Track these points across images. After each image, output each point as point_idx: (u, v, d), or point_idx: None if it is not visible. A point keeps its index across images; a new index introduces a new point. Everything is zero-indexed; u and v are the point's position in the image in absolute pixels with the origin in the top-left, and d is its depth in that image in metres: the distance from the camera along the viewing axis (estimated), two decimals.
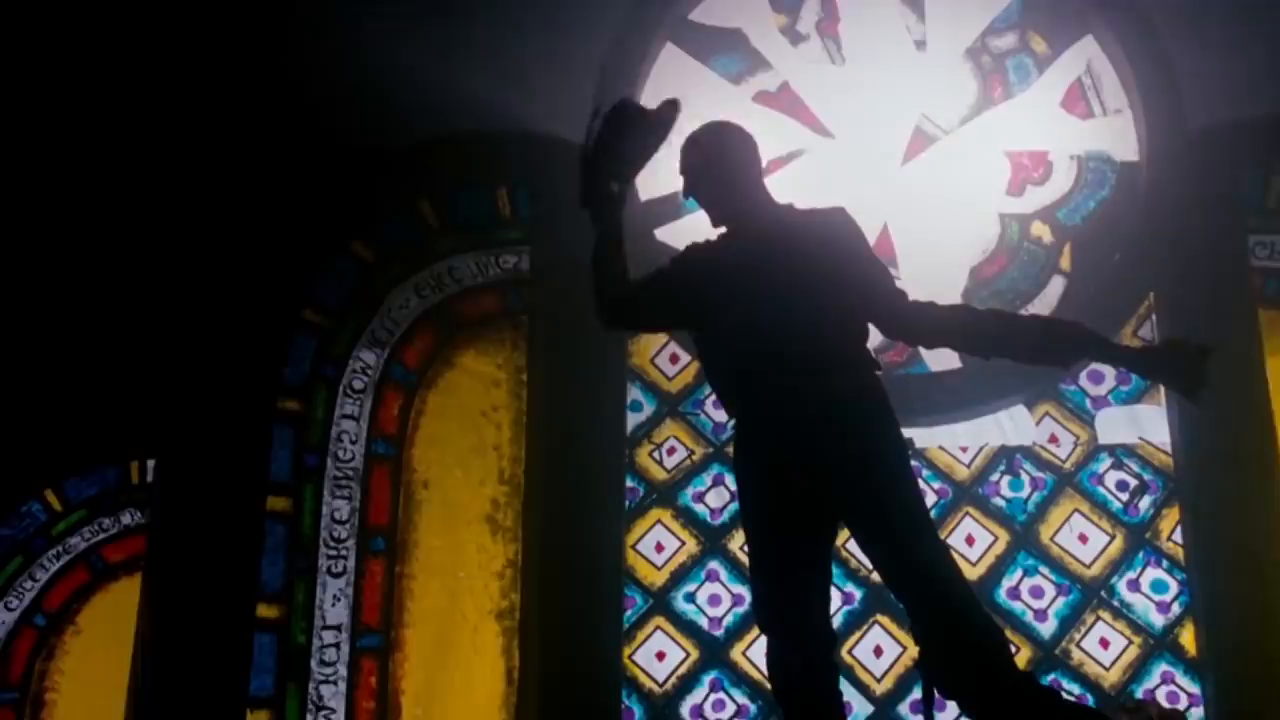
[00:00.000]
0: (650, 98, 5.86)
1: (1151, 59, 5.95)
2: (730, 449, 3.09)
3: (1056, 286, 5.82)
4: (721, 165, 3.14)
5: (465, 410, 5.73)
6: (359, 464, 5.60)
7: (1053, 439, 5.58)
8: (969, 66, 6.18)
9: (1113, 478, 5.53)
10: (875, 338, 3.20)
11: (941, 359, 5.68)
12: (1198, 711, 5.20)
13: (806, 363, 2.92)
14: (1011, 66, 6.17)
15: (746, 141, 3.21)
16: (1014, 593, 5.39)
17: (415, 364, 5.82)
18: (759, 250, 3.01)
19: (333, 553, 5.48)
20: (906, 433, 3.07)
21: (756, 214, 3.10)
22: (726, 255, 3.07)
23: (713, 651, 5.38)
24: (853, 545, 3.06)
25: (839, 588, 5.12)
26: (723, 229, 3.19)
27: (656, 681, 5.35)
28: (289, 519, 5.50)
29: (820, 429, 2.89)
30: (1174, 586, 5.35)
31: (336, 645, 5.40)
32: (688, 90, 5.89)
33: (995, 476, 5.54)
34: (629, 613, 5.40)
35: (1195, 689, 5.24)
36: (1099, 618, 5.34)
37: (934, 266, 5.68)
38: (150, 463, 5.61)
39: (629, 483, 5.54)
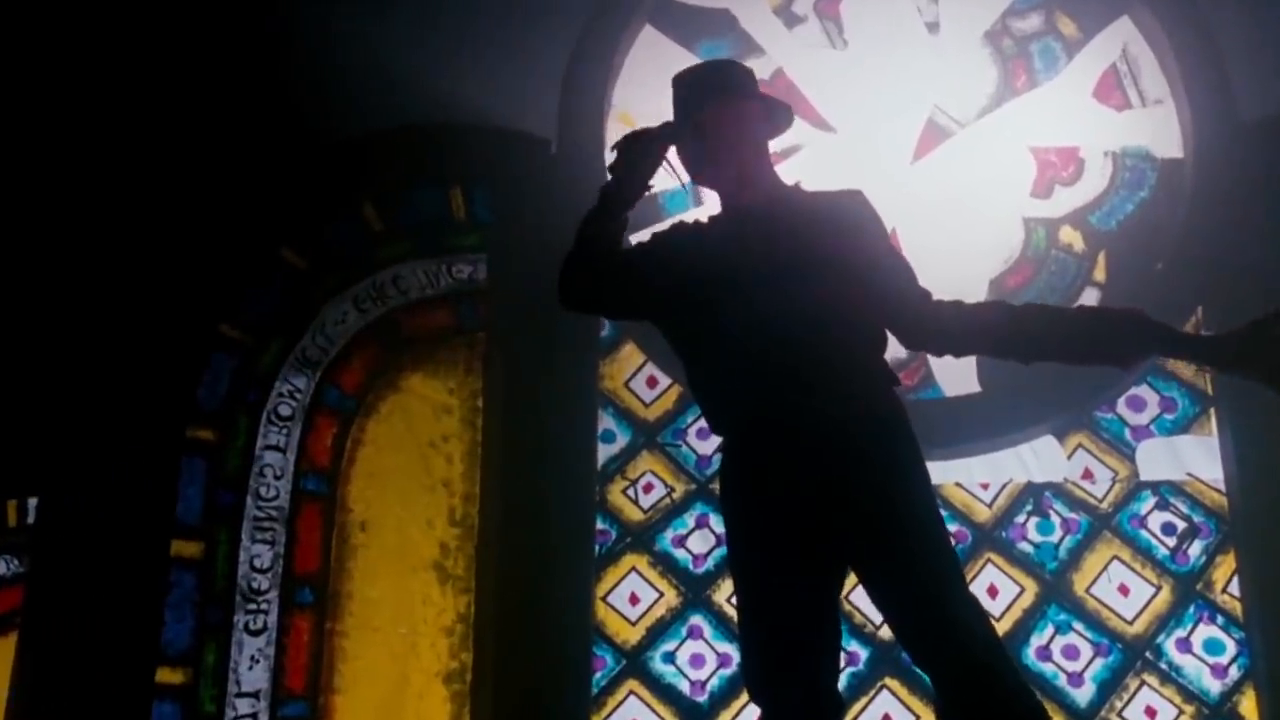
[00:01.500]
0: (626, 86, 5.96)
1: (1197, 42, 5.76)
2: (716, 485, 2.86)
3: (1089, 301, 5.57)
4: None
5: (411, 441, 5.56)
6: (284, 502, 5.38)
7: (1087, 474, 5.35)
8: (988, 51, 6.02)
9: (1157, 520, 5.27)
10: (892, 350, 2.89)
11: (958, 382, 5.47)
12: None
13: (814, 371, 2.68)
14: (1037, 51, 6.00)
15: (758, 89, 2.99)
16: (1044, 653, 5.13)
17: (353, 387, 5.62)
18: (760, 230, 2.78)
19: (251, 606, 5.23)
20: None
21: (759, 185, 2.86)
22: (719, 235, 2.84)
23: None
24: (855, 595, 2.89)
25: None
26: (696, 219, 2.96)
27: None
28: (199, 567, 5.24)
29: (829, 454, 2.65)
30: (1231, 647, 5.08)
31: (254, 715, 5.13)
32: (669, 78, 5.78)
33: (1021, 518, 5.31)
34: (599, 675, 5.20)
35: None
36: (1144, 683, 5.06)
37: (948, 277, 4.99)
38: (31, 501, 5.39)
39: (600, 525, 5.36)
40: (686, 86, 2.91)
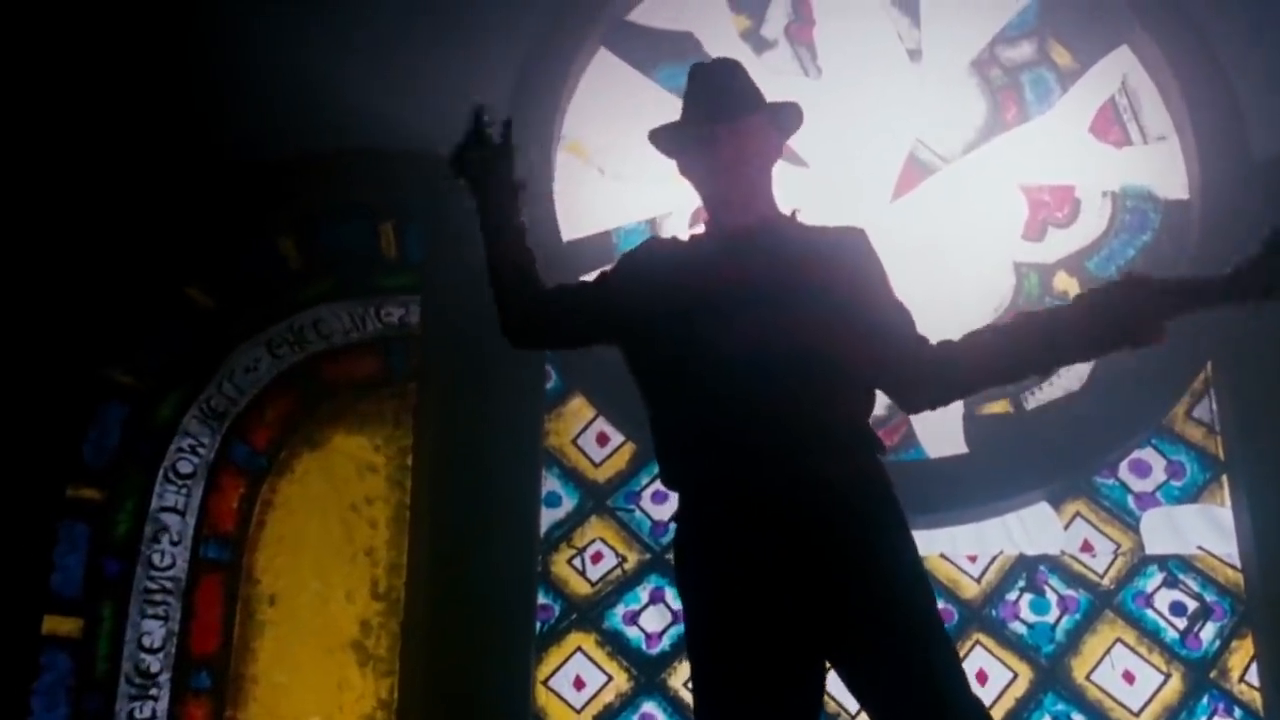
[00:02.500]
0: (577, 113, 5.83)
1: (1204, 73, 5.65)
2: (673, 555, 2.70)
3: None
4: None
5: (330, 503, 5.38)
6: (180, 572, 5.16)
7: (1086, 547, 5.18)
8: (975, 81, 5.91)
9: (1165, 598, 5.09)
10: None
11: (943, 442, 5.33)
12: None
13: (798, 416, 2.53)
14: (1028, 82, 5.90)
15: None
16: None
17: (264, 443, 5.44)
18: (750, 253, 2.68)
19: (137, 692, 5.01)
20: None
21: (754, 207, 2.78)
22: (703, 252, 2.74)
23: None
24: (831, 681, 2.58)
25: None
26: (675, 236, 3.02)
27: None
28: (76, 647, 5.00)
29: (811, 520, 2.47)
30: None
31: None
32: (624, 105, 5.83)
33: (1013, 595, 5.15)
34: None
35: None
36: None
37: (931, 328, 5.10)
38: None
39: (541, 599, 5.20)
40: (706, 84, 2.83)
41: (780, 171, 5.70)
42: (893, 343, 2.64)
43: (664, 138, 2.83)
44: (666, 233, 5.37)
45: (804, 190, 5.56)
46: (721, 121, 2.72)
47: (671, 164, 2.85)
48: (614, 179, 5.65)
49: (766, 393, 2.52)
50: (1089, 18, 5.89)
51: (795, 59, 5.92)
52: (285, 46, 5.37)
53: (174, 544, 5.15)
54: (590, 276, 2.89)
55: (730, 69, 2.85)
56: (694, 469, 2.61)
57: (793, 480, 2.48)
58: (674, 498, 2.67)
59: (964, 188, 5.74)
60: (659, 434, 2.69)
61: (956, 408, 5.24)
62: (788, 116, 2.83)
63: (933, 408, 2.70)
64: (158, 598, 5.08)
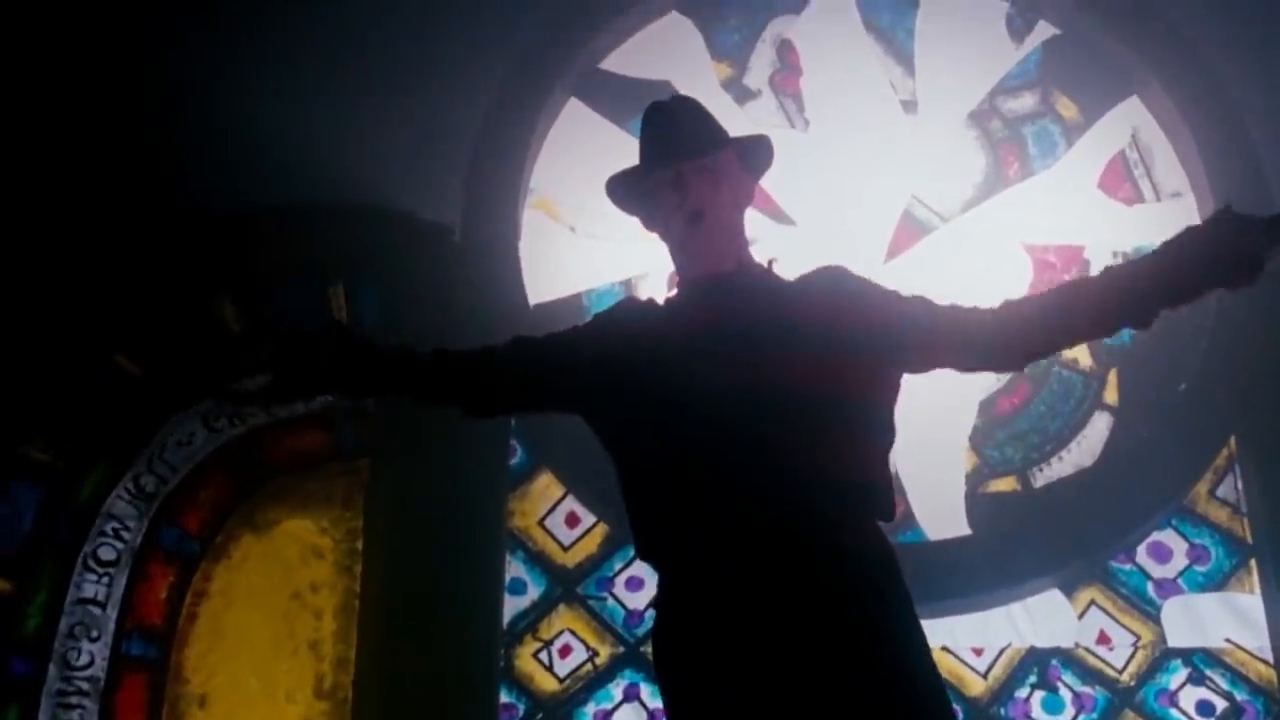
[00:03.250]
0: (546, 167, 5.77)
1: (1220, 125, 5.61)
2: (650, 647, 2.59)
3: (1100, 427, 5.40)
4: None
5: (270, 592, 5.19)
6: (100, 671, 4.86)
7: (1103, 639, 5.06)
8: (974, 135, 5.85)
9: (1191, 696, 4.96)
10: None
11: (943, 522, 5.24)
12: None
13: (796, 478, 2.40)
14: (1031, 135, 5.83)
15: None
16: None
17: (198, 526, 5.19)
18: (731, 295, 2.61)
19: None
20: None
21: (730, 251, 2.69)
22: (679, 303, 2.68)
23: None
24: None
25: None
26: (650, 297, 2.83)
27: None
28: None
29: (814, 604, 2.33)
30: None
31: None
32: (597, 159, 5.82)
33: (1023, 692, 5.01)
34: None
35: None
36: None
37: (928, 400, 5.11)
38: None
39: (505, 697, 5.04)
40: (669, 123, 2.75)
41: (766, 230, 5.99)
42: (922, 322, 2.56)
43: (622, 187, 2.76)
44: (643, 294, 5.23)
45: (792, 250, 5.51)
46: (687, 159, 2.64)
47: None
48: (586, 237, 5.56)
49: (759, 445, 2.40)
50: (1095, 67, 5.86)
51: (781, 110, 5.88)
52: (234, 92, 5.24)
53: (93, 640, 4.86)
54: (567, 330, 2.80)
55: (691, 105, 2.78)
56: (677, 541, 2.48)
57: (796, 551, 2.34)
58: (651, 584, 2.70)
59: (964, 248, 5.66)
60: (634, 499, 2.58)
61: (956, 485, 5.18)
62: (757, 152, 2.76)
63: (1021, 366, 2.73)
64: (73, 700, 4.80)
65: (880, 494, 2.47)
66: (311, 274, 5.38)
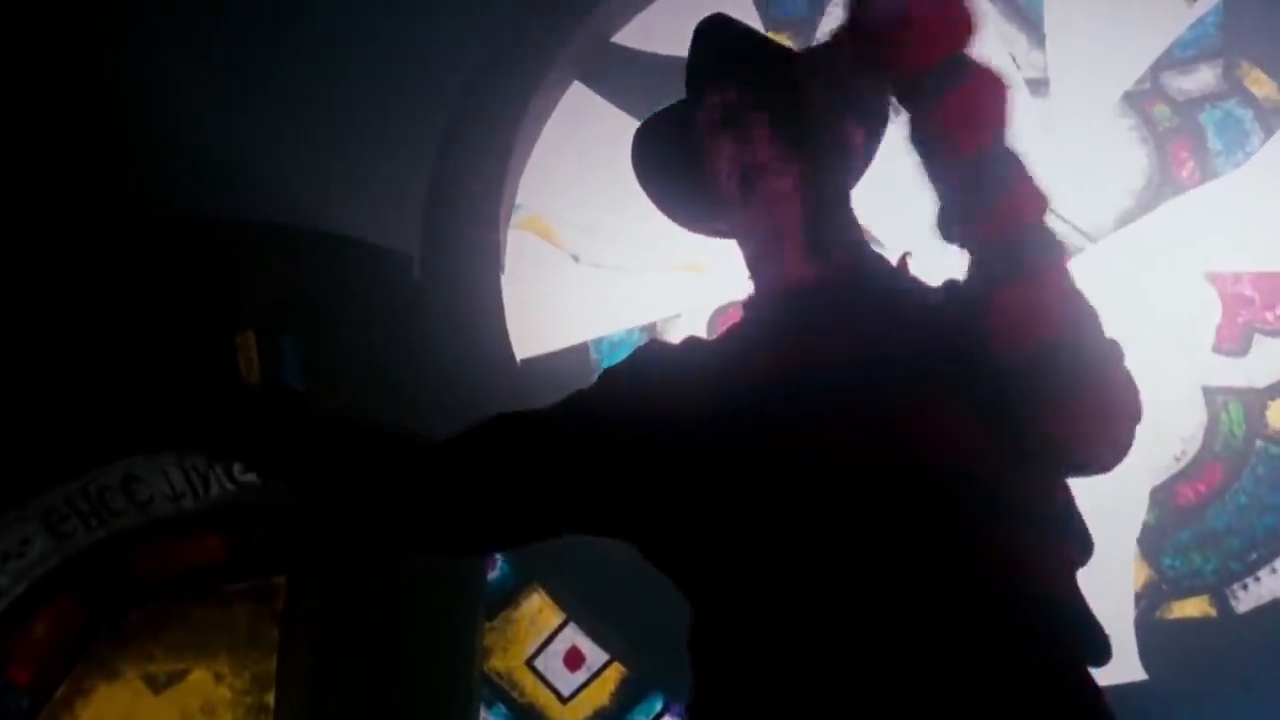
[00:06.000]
0: (540, 172, 5.49)
1: None
2: None
3: None
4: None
5: None
6: None
7: None
8: (1130, 124, 5.40)
9: None
10: None
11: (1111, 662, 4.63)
12: None
13: (957, 602, 1.88)
14: (1212, 124, 5.38)
15: None
16: None
17: (31, 674, 4.61)
18: (827, 319, 2.08)
19: None
20: None
21: (825, 245, 2.17)
22: (742, 345, 2.16)
23: None
24: None
25: None
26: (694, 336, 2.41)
27: None
28: None
29: None
30: None
31: None
32: (605, 162, 5.24)
33: None
34: None
35: None
36: None
37: (1089, 483, 4.34)
38: None
39: None
40: (724, 30, 2.32)
41: None
42: None
43: (657, 145, 2.27)
44: (675, 339, 4.69)
45: None
46: (746, 77, 2.17)
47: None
48: (593, 267, 5.17)
49: (896, 553, 1.93)
50: None
51: None
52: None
53: None
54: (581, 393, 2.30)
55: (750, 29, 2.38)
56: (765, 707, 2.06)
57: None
58: None
59: (1120, 276, 5.18)
60: (704, 638, 2.12)
61: (1124, 609, 4.71)
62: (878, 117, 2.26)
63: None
64: None
65: (1093, 627, 1.98)
66: (205, 315, 4.75)
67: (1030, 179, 1.94)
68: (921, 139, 1.94)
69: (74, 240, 5.40)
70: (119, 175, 5.14)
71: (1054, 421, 2.03)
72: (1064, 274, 1.98)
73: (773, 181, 2.13)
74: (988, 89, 1.97)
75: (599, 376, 2.35)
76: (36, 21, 5.82)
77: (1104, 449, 2.06)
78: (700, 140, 2.23)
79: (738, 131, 2.14)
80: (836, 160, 2.20)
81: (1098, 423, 2.09)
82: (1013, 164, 1.95)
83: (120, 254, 5.19)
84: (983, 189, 1.92)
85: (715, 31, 2.31)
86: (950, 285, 2.17)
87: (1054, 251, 1.94)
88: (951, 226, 2.01)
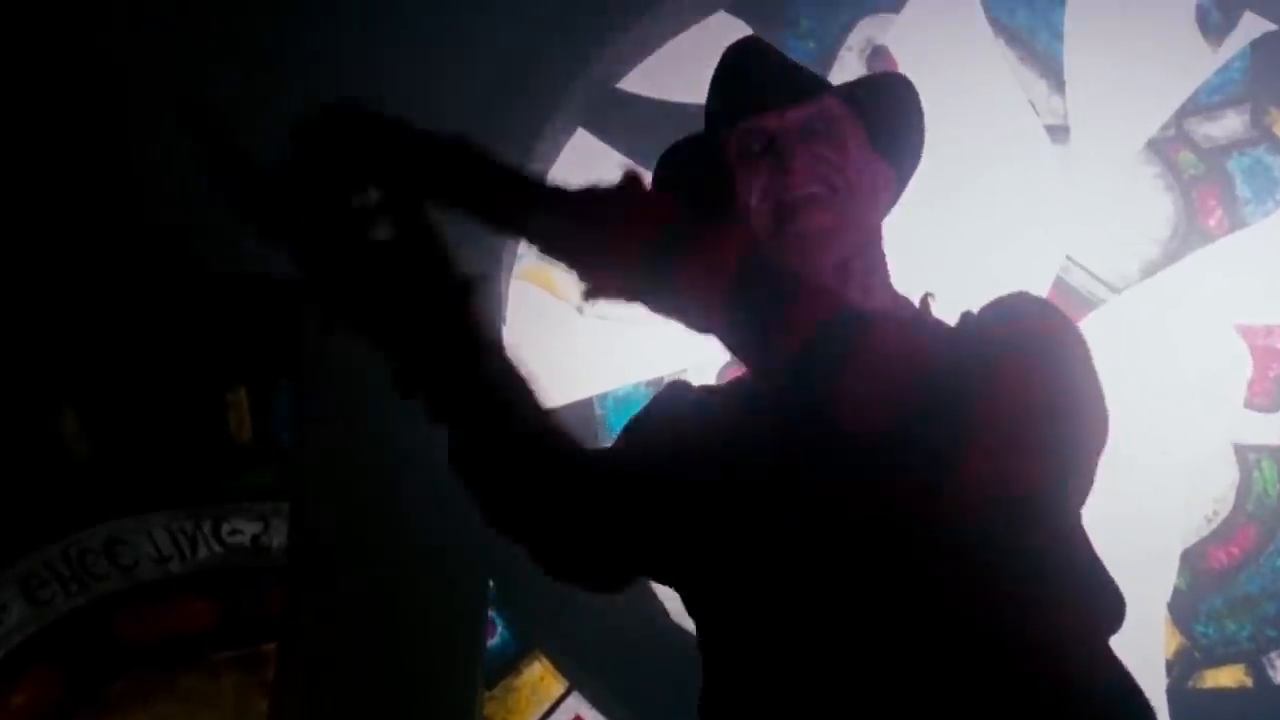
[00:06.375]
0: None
1: None
2: None
3: None
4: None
5: None
6: None
7: None
8: (1155, 172, 5.24)
9: None
10: None
11: None
12: None
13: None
14: (1240, 171, 5.25)
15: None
16: None
17: None
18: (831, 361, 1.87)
19: None
20: None
21: (848, 286, 2.09)
22: (750, 396, 2.10)
23: None
24: None
25: None
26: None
27: None
28: None
29: None
30: None
31: None
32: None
33: None
34: None
35: None
36: None
37: (1117, 546, 4.24)
38: None
39: None
40: (754, 57, 2.24)
41: None
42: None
43: (678, 171, 2.15)
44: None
45: None
46: (781, 106, 2.06)
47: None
48: (598, 319, 4.87)
49: (926, 637, 1.85)
50: None
51: None
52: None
53: None
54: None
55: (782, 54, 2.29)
56: None
57: None
58: None
59: (1145, 329, 5.03)
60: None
61: (1154, 678, 4.54)
62: (893, 114, 2.20)
63: None
64: None
65: (1136, 698, 1.96)
66: (198, 370, 4.82)
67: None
68: None
69: (67, 292, 5.06)
70: (119, 226, 5.04)
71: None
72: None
73: (815, 216, 2.03)
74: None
75: (622, 433, 2.30)
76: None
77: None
78: (729, 170, 2.11)
79: (774, 160, 2.03)
80: (879, 198, 2.12)
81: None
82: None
83: (115, 306, 4.95)
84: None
85: (750, 56, 2.22)
86: (966, 318, 2.10)
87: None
88: None
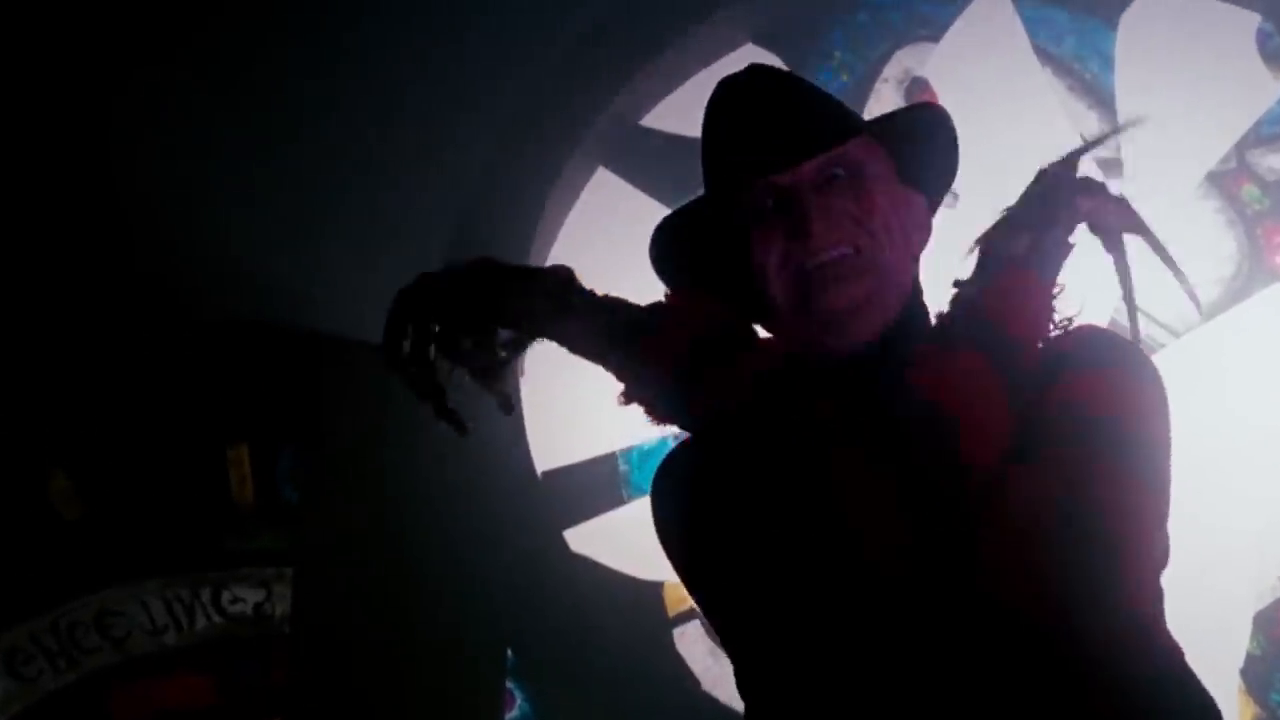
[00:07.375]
0: (562, 262, 5.00)
1: None
2: None
3: None
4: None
5: None
6: None
7: None
8: (1215, 206, 5.18)
9: None
10: None
11: None
12: None
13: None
14: None
15: None
16: None
17: None
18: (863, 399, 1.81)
19: None
20: None
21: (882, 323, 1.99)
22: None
23: None
24: None
25: None
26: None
27: None
28: None
29: None
30: None
31: None
32: (631, 254, 5.10)
33: None
34: None
35: None
36: None
37: (1183, 609, 4.12)
38: None
39: None
40: (759, 101, 2.08)
41: None
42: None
43: (677, 242, 2.08)
44: None
45: None
46: (795, 159, 1.92)
47: None
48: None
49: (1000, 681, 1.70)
50: None
51: None
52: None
53: None
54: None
55: (789, 77, 2.19)
56: None
57: None
58: None
59: (1207, 375, 4.93)
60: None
61: None
62: (922, 138, 2.08)
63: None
64: None
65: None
66: (195, 429, 4.70)
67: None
68: None
69: (58, 339, 4.98)
70: (120, 275, 5.00)
71: None
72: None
73: (843, 289, 1.89)
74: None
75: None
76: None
77: None
78: (743, 232, 1.96)
79: (789, 221, 1.88)
80: (910, 241, 1.97)
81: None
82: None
83: (108, 357, 4.87)
84: None
85: (751, 99, 2.04)
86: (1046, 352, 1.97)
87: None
88: None
